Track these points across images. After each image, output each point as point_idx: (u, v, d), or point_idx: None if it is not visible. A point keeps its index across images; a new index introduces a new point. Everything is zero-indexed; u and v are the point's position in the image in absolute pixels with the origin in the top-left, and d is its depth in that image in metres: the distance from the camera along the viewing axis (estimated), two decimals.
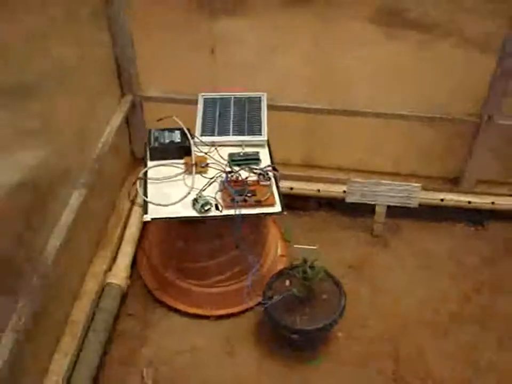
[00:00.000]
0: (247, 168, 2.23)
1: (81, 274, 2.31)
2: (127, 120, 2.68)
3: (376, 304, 2.47)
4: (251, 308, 2.40)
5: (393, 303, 2.48)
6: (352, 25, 2.79)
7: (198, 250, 2.29)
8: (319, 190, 2.71)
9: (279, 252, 2.56)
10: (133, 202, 2.54)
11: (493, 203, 2.68)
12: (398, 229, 2.75)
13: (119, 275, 2.37)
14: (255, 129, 2.38)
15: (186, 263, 2.36)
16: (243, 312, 2.41)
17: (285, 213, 2.10)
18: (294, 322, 2.14)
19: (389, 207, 2.65)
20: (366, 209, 2.70)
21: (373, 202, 2.63)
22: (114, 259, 2.45)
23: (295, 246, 2.21)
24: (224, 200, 2.11)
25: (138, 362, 2.26)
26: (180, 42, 2.67)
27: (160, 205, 2.11)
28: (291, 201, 2.76)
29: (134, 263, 2.55)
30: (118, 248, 2.49)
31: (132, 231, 2.55)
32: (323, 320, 2.15)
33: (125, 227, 2.56)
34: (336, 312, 2.17)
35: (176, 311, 2.42)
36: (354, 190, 2.60)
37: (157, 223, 2.45)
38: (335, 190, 2.69)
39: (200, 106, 2.48)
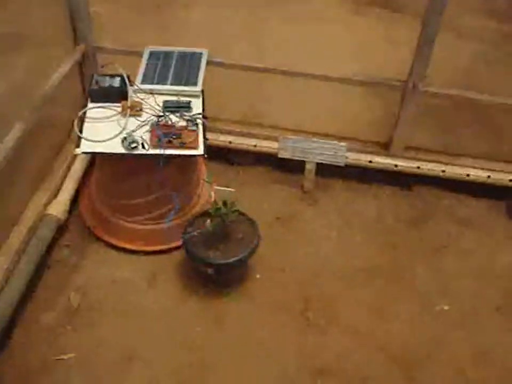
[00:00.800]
0: (178, 115, 2.41)
1: (21, 204, 2.48)
2: (81, 69, 2.86)
3: (297, 253, 2.64)
4: (179, 247, 2.57)
5: (313, 253, 2.65)
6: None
7: (128, 188, 2.47)
8: (255, 145, 2.86)
9: (213, 196, 2.71)
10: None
11: (418, 167, 2.82)
12: (328, 187, 2.90)
13: (58, 208, 2.54)
14: (191, 81, 2.55)
15: (118, 200, 2.53)
16: (171, 250, 2.59)
17: (206, 155, 2.29)
18: (207, 256, 2.32)
19: (320, 165, 2.81)
20: (300, 167, 2.85)
21: (302, 159, 2.78)
22: (56, 194, 2.63)
23: (215, 187, 2.37)
24: (151, 140, 2.30)
25: (68, 288, 2.44)
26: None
27: (92, 140, 2.30)
28: (229, 155, 2.95)
29: (77, 201, 2.73)
30: (61, 184, 2.67)
31: (76, 169, 2.71)
32: (234, 256, 2.32)
33: (69, 166, 2.73)
34: (248, 250, 2.34)
35: (110, 245, 2.59)
36: (285, 146, 2.76)
37: (97, 161, 2.65)
38: (271, 146, 2.84)
39: (144, 57, 2.66)
